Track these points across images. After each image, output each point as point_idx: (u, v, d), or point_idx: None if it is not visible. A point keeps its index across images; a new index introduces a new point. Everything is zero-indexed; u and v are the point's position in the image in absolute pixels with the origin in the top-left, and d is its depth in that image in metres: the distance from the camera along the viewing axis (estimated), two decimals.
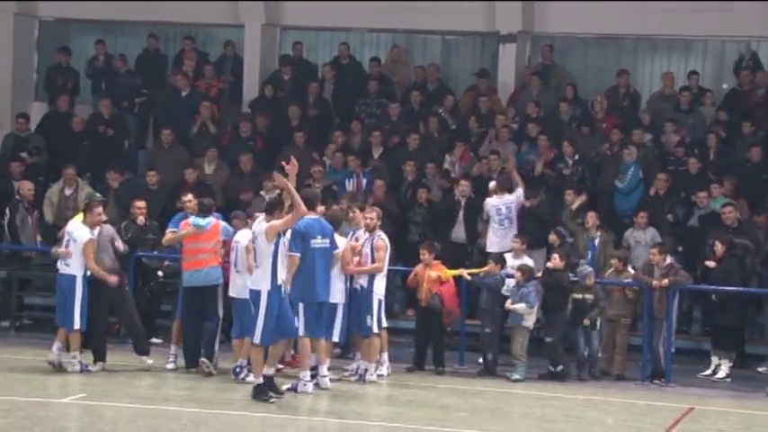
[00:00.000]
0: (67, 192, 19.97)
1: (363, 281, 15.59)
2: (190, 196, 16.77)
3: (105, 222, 16.06)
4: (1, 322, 19.04)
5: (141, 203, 17.87)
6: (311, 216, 14.72)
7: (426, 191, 19.52)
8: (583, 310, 16.54)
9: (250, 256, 14.77)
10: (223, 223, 16.09)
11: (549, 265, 16.74)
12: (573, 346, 16.78)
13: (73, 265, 15.43)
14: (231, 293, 15.51)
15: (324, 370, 15.06)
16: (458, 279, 16.92)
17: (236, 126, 21.84)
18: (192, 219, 15.96)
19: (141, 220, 17.73)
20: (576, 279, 16.67)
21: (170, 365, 16.02)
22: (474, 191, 19.23)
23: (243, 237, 15.39)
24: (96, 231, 15.70)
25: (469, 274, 16.91)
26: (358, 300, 15.49)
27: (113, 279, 15.60)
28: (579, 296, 16.59)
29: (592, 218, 18.28)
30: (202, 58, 23.04)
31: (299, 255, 14.55)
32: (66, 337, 15.50)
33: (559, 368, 16.50)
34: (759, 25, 21.31)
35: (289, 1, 23.28)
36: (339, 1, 22.77)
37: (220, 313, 15.90)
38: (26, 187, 19.24)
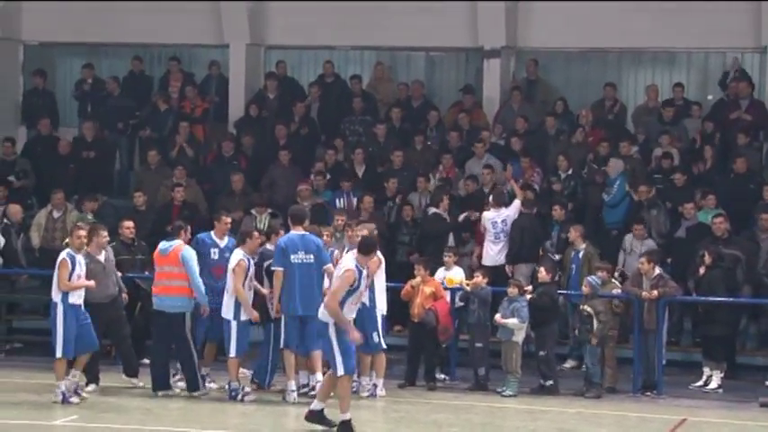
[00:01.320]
0: (56, 215, 19.93)
1: (365, 298, 15.57)
2: (130, 223, 17.23)
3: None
4: None
5: (129, 223, 17.83)
6: (295, 232, 15.18)
7: (411, 208, 19.50)
8: (584, 323, 16.48)
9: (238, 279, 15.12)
10: (183, 250, 15.47)
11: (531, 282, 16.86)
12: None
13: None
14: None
15: (292, 385, 15.26)
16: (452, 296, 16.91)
17: (220, 146, 21.83)
18: (160, 245, 15.74)
19: (127, 236, 17.66)
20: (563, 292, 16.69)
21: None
22: (462, 209, 19.22)
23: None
24: (103, 255, 15.72)
25: (452, 283, 16.86)
26: (362, 317, 15.45)
27: (91, 284, 15.32)
28: (580, 307, 16.59)
29: (575, 231, 18.29)
30: (188, 79, 23.05)
31: (282, 269, 14.98)
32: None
33: (549, 382, 16.48)
34: (742, 37, 21.41)
35: (273, 20, 23.32)
36: (323, 19, 22.83)
37: (189, 338, 15.51)
38: (15, 211, 19.17)
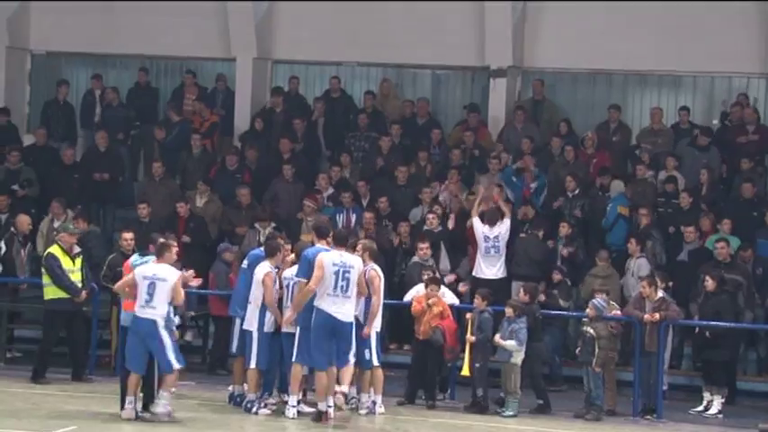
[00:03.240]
0: (56, 224, 19.92)
1: (359, 313, 15.57)
2: (130, 235, 17.21)
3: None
4: None
5: (128, 235, 17.83)
6: (320, 245, 15.23)
7: (408, 224, 19.47)
8: (586, 345, 16.48)
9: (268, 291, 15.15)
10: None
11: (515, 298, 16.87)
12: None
13: (159, 308, 14.76)
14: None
15: (293, 400, 15.23)
16: (457, 316, 16.86)
17: (224, 159, 21.85)
18: (132, 258, 15.57)
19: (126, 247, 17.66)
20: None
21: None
22: (458, 225, 19.18)
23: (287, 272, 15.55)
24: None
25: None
26: (355, 333, 15.49)
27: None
28: (583, 329, 16.58)
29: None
30: (202, 93, 23.10)
31: (305, 280, 14.92)
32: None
33: (539, 401, 16.45)
34: (749, 62, 21.44)
35: (280, 34, 23.36)
36: (330, 35, 22.88)
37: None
38: (24, 221, 19.18)
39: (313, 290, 14.88)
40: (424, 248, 18.48)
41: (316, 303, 14.92)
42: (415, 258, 18.61)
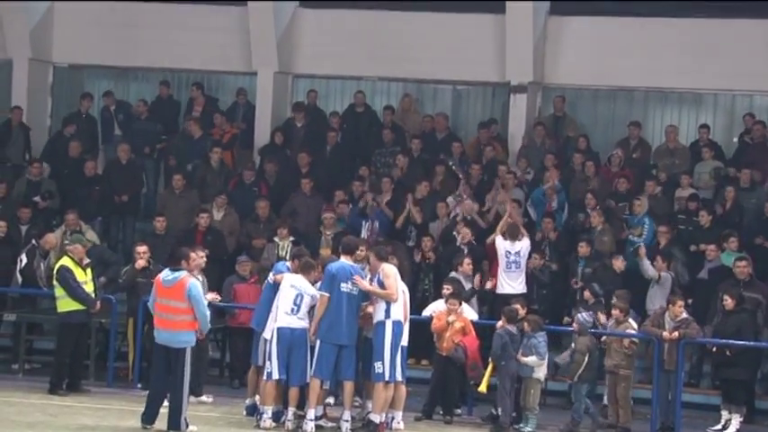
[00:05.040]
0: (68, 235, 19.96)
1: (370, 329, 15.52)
2: (143, 248, 17.32)
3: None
4: (11, 366, 19.04)
5: (142, 248, 17.88)
6: (346, 261, 15.36)
7: (431, 239, 19.44)
8: (572, 359, 16.46)
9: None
10: (189, 283, 14.70)
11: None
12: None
13: (305, 318, 15.25)
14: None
15: (311, 414, 15.21)
16: (479, 331, 16.80)
17: (242, 172, 21.89)
18: (163, 273, 15.02)
19: (140, 263, 17.71)
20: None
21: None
22: (475, 238, 19.17)
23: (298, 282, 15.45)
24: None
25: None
26: (367, 347, 15.45)
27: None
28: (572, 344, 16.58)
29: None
30: (212, 104, 23.15)
31: (327, 294, 15.06)
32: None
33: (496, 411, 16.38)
34: None
35: (301, 49, 23.42)
36: (351, 50, 22.93)
37: (187, 374, 14.76)
38: (51, 241, 19.19)
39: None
40: (466, 264, 18.37)
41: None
42: (454, 274, 18.28)
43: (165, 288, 14.77)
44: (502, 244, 18.76)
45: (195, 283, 14.83)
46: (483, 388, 16.29)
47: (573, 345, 16.56)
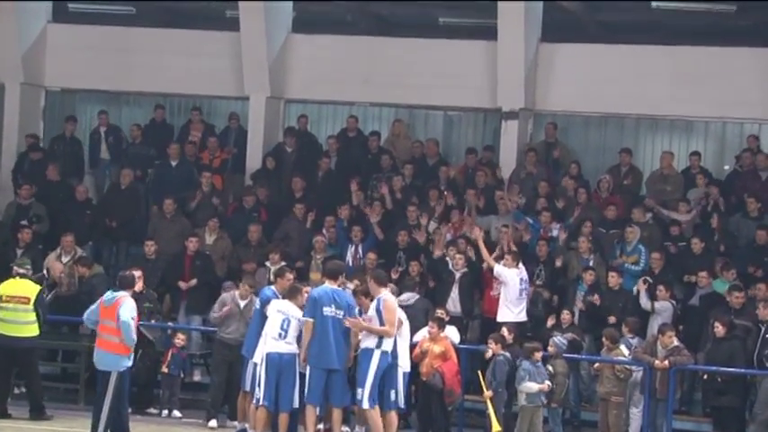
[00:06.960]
0: (64, 259, 19.92)
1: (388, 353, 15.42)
2: (138, 273, 16.93)
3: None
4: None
5: (137, 272, 17.74)
6: (329, 286, 15.31)
7: (418, 264, 19.38)
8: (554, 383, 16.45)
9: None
10: (124, 304, 14.80)
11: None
12: None
13: (294, 343, 15.28)
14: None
15: None
16: (460, 356, 16.79)
17: (240, 198, 21.87)
18: (105, 295, 15.19)
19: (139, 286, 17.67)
20: None
21: None
22: (467, 265, 19.15)
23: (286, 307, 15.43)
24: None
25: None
26: (383, 375, 15.32)
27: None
28: (547, 366, 16.53)
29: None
30: (209, 129, 23.17)
31: (312, 320, 15.07)
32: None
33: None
34: (761, 108, 21.44)
35: (293, 74, 23.46)
36: (343, 75, 22.97)
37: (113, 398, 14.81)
38: (57, 268, 19.24)
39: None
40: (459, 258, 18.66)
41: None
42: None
43: (104, 308, 14.94)
44: (511, 272, 18.29)
45: (129, 303, 14.89)
46: (497, 427, 16.00)
47: (551, 368, 16.50)
